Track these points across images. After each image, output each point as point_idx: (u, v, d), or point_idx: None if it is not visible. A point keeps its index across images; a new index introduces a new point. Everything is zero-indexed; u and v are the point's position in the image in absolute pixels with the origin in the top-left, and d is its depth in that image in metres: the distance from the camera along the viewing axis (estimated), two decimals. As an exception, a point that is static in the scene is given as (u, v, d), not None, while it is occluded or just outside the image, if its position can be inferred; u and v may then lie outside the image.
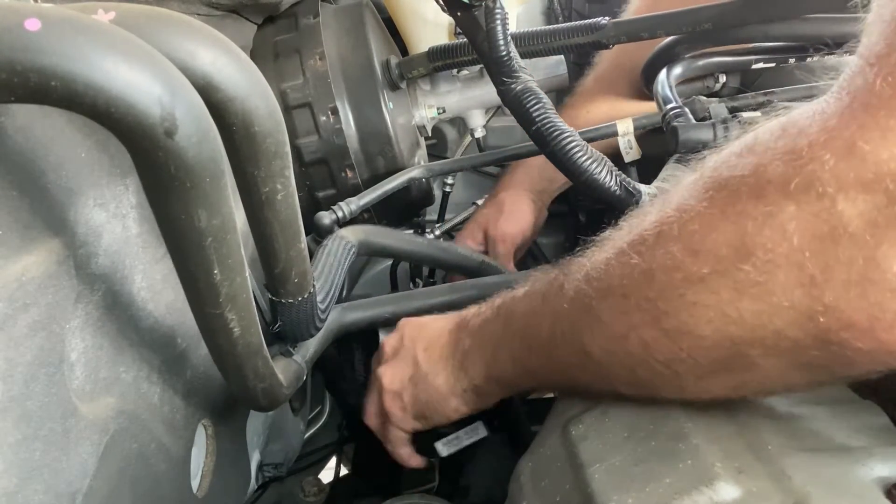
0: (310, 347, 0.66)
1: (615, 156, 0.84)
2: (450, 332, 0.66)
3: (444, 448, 0.72)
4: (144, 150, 0.31)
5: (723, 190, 0.41)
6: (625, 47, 0.90)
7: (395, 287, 1.05)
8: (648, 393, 0.49)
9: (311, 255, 0.64)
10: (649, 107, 0.87)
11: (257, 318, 0.46)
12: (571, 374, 0.54)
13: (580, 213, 1.21)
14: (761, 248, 0.38)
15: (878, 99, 0.35)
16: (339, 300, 0.74)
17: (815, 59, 0.81)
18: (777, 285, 0.38)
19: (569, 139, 0.71)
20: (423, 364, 0.66)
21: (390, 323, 0.79)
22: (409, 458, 0.72)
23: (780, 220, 0.37)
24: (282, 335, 0.60)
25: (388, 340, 0.71)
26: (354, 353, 0.93)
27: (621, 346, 0.47)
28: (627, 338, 0.46)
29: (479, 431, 0.73)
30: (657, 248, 0.44)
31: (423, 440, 0.71)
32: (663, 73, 0.83)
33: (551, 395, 0.68)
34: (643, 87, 0.92)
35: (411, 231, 1.07)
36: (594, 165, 0.71)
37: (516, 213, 1.05)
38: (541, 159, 1.04)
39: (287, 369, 0.60)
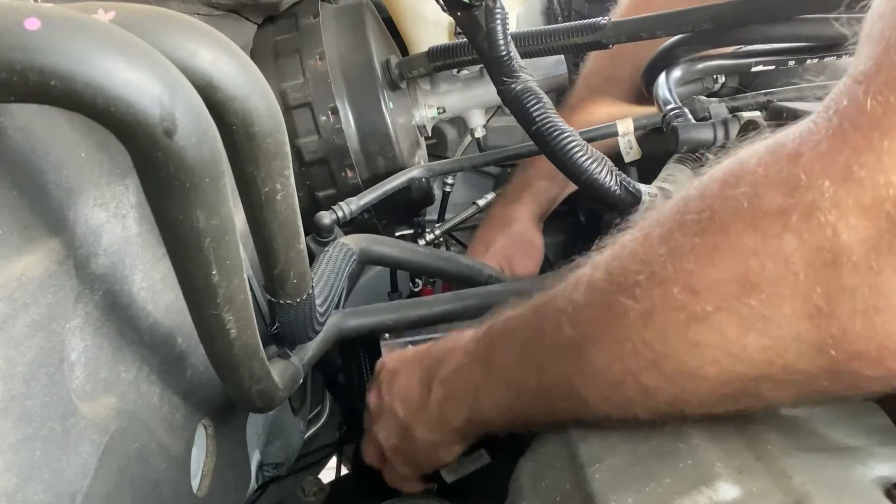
0: (308, 350, 0.65)
1: (615, 156, 0.84)
2: (419, 384, 0.64)
3: (448, 475, 0.72)
4: (144, 149, 0.31)
5: (715, 223, 0.40)
6: (621, 55, 0.90)
7: (394, 287, 1.05)
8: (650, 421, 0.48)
9: (312, 256, 0.64)
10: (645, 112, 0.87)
11: (254, 319, 0.46)
12: (563, 415, 0.52)
13: (580, 213, 1.21)
14: (766, 281, 0.37)
15: (870, 119, 0.34)
16: (338, 307, 0.75)
17: (814, 61, 0.81)
18: (784, 318, 0.37)
19: (569, 139, 0.71)
20: (405, 418, 0.65)
21: (391, 330, 0.79)
22: (412, 487, 0.71)
23: (782, 252, 0.36)
24: (280, 337, 0.60)
25: (371, 395, 0.69)
26: (361, 359, 0.93)
27: (618, 391, 0.46)
28: (624, 383, 0.45)
29: (482, 458, 0.72)
30: (653, 289, 0.42)
31: None
32: (663, 75, 0.83)
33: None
34: (644, 90, 0.92)
35: (411, 231, 1.07)
36: (594, 165, 0.71)
37: (533, 247, 1.04)
38: (545, 180, 1.04)
39: (284, 371, 0.60)
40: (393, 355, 0.71)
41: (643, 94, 0.94)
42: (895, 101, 0.33)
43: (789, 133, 0.38)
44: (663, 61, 0.86)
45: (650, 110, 0.89)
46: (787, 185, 0.36)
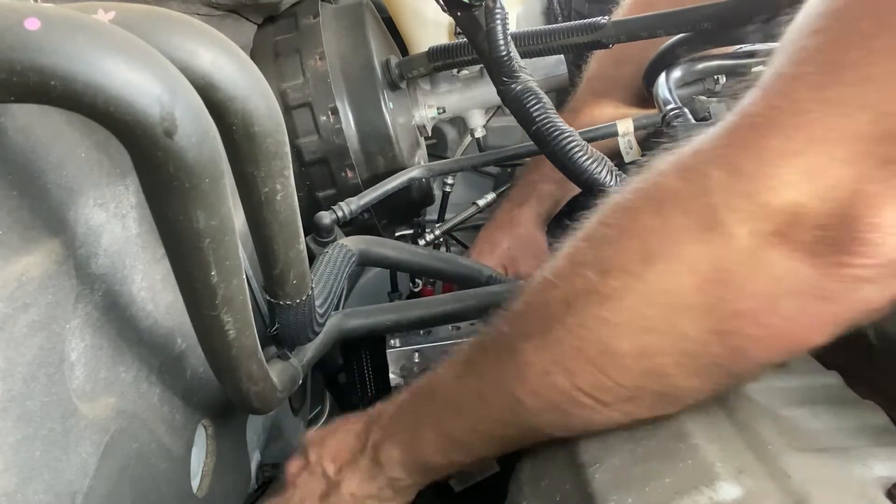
0: (308, 351, 0.65)
1: (615, 156, 0.84)
2: (357, 435, 0.63)
3: (457, 485, 0.71)
4: (143, 149, 0.31)
5: (627, 211, 0.45)
6: (624, 58, 0.90)
7: (394, 287, 1.05)
8: (580, 430, 0.51)
9: (312, 256, 0.64)
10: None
11: (253, 320, 0.46)
12: (503, 431, 0.54)
13: (581, 213, 1.21)
14: (663, 257, 0.42)
15: (761, 119, 0.39)
16: (337, 307, 0.74)
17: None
18: (679, 289, 0.42)
19: (569, 139, 0.71)
20: (333, 475, 0.63)
21: (390, 331, 0.79)
22: None
23: (677, 229, 0.42)
24: (280, 338, 0.60)
25: (290, 464, 0.67)
26: (363, 362, 0.93)
27: (549, 383, 0.48)
28: (553, 373, 0.48)
29: (492, 466, 0.71)
30: (574, 277, 0.46)
31: None
32: (663, 75, 0.83)
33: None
34: (644, 91, 0.92)
35: (411, 231, 1.07)
36: (594, 165, 0.71)
37: (538, 250, 1.04)
38: (550, 183, 1.04)
39: (283, 373, 0.60)
40: (318, 430, 0.69)
41: (647, 96, 0.94)
42: (785, 106, 0.39)
43: (701, 134, 0.43)
44: (664, 62, 0.86)
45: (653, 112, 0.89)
46: (684, 172, 0.42)
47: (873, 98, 0.36)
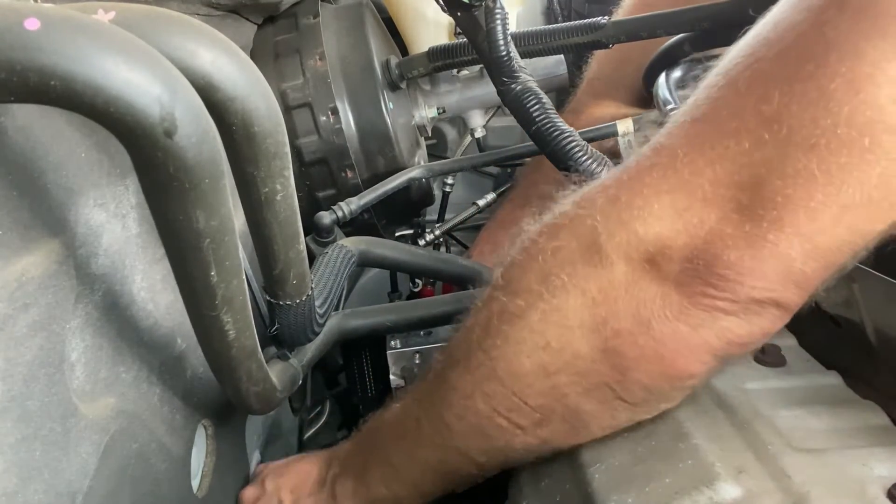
0: (308, 351, 0.65)
1: (615, 156, 0.84)
2: (318, 468, 0.66)
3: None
4: (143, 150, 0.31)
5: (533, 237, 0.50)
6: (626, 59, 0.90)
7: (394, 287, 1.05)
8: (503, 457, 0.54)
9: (312, 256, 0.64)
10: None
11: (253, 320, 0.46)
12: (436, 457, 0.56)
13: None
14: (557, 277, 0.46)
15: (646, 159, 0.44)
16: (337, 308, 0.74)
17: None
18: (570, 309, 0.46)
19: (569, 139, 0.71)
20: None
21: (391, 331, 0.79)
22: None
23: (568, 252, 0.46)
24: (279, 338, 0.60)
25: (245, 492, 0.69)
26: (364, 363, 0.92)
27: (471, 406, 0.52)
28: (473, 396, 0.51)
29: None
30: (491, 301, 0.51)
31: None
32: (663, 76, 0.83)
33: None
34: (644, 91, 0.92)
35: (411, 231, 1.07)
36: (594, 165, 0.71)
37: None
38: (552, 184, 1.04)
39: (283, 373, 0.60)
40: (277, 462, 0.71)
41: (648, 97, 0.94)
42: (667, 149, 0.43)
43: (614, 169, 0.48)
44: (664, 62, 0.85)
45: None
46: (580, 200, 0.47)
47: (735, 151, 0.41)
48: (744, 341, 0.44)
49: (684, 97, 0.81)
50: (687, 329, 0.43)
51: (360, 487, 0.61)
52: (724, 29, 0.79)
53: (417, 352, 0.78)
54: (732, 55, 0.44)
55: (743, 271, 0.41)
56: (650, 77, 0.88)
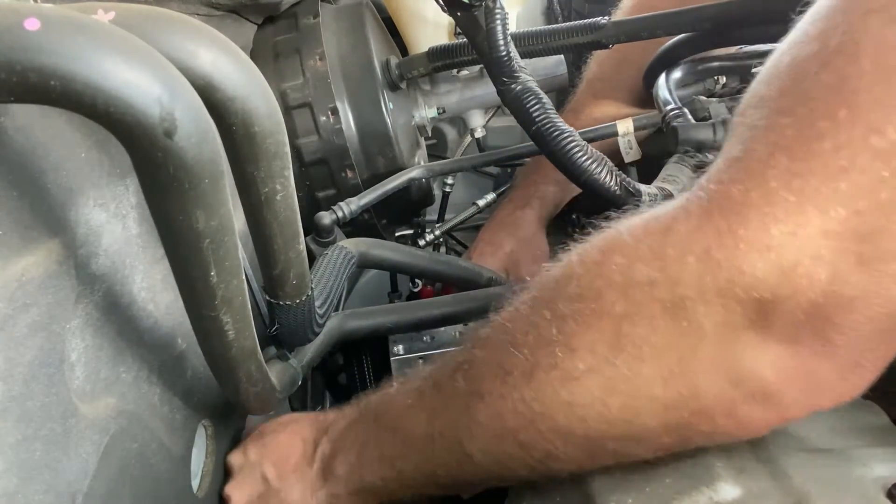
0: (307, 352, 0.65)
1: (615, 156, 0.84)
2: (304, 441, 0.62)
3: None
4: (143, 150, 0.31)
5: (593, 290, 0.43)
6: (626, 59, 0.90)
7: (394, 287, 1.05)
8: (526, 478, 0.51)
9: (312, 256, 0.64)
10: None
11: (252, 321, 0.46)
12: (448, 472, 0.53)
13: (580, 215, 1.21)
14: (632, 344, 0.41)
15: (733, 204, 0.37)
16: (337, 308, 0.74)
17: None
18: (642, 379, 0.41)
19: (569, 139, 0.71)
20: (274, 481, 0.62)
21: (392, 331, 0.79)
22: None
23: (648, 318, 0.40)
24: (279, 339, 0.60)
25: (232, 456, 0.65)
26: (364, 363, 0.92)
27: (499, 447, 0.48)
28: (504, 439, 0.48)
29: None
30: (538, 349, 0.45)
31: None
32: (663, 76, 0.83)
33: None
34: (644, 91, 0.92)
35: (411, 231, 1.07)
36: (594, 165, 0.71)
37: (540, 253, 1.03)
38: (552, 185, 1.04)
39: (282, 373, 0.60)
40: (276, 421, 0.68)
41: (647, 97, 0.94)
42: (753, 190, 0.37)
43: (666, 208, 0.42)
44: (664, 62, 0.86)
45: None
46: (656, 259, 0.40)
47: (847, 193, 0.35)
48: (834, 403, 0.40)
49: (684, 98, 0.81)
50: (776, 403, 0.39)
51: (353, 475, 0.58)
52: (725, 30, 0.79)
53: (421, 358, 0.78)
54: (799, 70, 0.37)
55: (857, 333, 0.36)
56: (650, 77, 0.88)
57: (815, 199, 0.35)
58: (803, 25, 0.39)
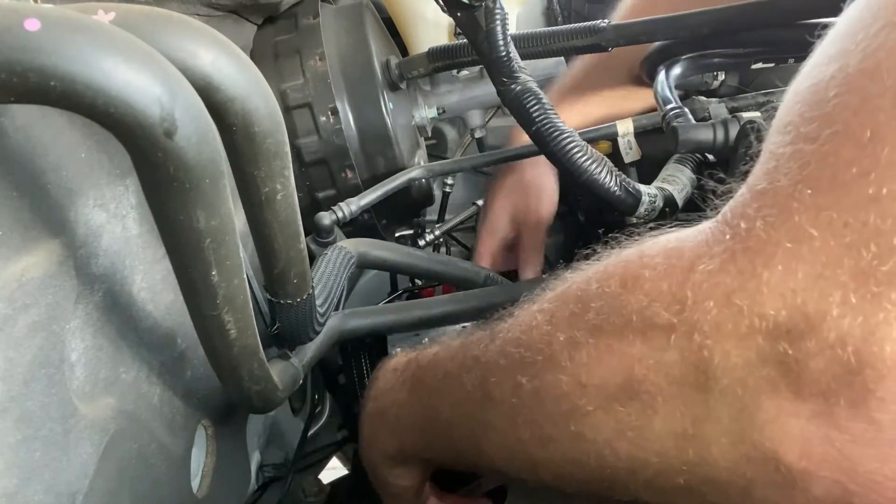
0: (308, 351, 0.65)
1: (615, 156, 0.84)
2: (367, 399, 0.63)
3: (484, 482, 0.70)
4: (143, 150, 0.31)
5: (611, 324, 0.40)
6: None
7: (394, 286, 1.05)
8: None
9: (312, 256, 0.64)
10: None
11: (254, 320, 0.46)
12: (466, 459, 0.53)
13: (579, 213, 1.21)
14: (645, 392, 0.37)
15: (756, 243, 0.34)
16: (337, 308, 0.74)
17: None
18: (653, 433, 0.38)
19: (569, 139, 0.71)
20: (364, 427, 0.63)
21: (392, 331, 0.79)
22: None
23: (664, 366, 0.37)
24: (280, 338, 0.60)
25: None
26: (363, 364, 0.93)
27: (513, 455, 0.47)
28: (516, 452, 0.46)
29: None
30: (547, 372, 0.42)
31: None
32: (662, 73, 0.83)
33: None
34: (644, 76, 0.92)
35: (411, 231, 1.07)
36: (594, 166, 0.71)
37: (545, 195, 0.99)
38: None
39: (284, 372, 0.60)
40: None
41: (634, 75, 0.93)
42: (780, 226, 0.33)
43: (689, 239, 0.38)
44: (663, 54, 0.86)
45: (642, 93, 0.87)
46: (676, 303, 0.36)
47: (877, 227, 0.30)
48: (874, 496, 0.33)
49: (682, 87, 0.81)
50: (802, 491, 0.33)
51: (395, 437, 0.58)
52: (725, 35, 0.79)
53: None
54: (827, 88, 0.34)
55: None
56: (649, 67, 0.87)
57: (843, 236, 0.31)
58: (824, 46, 0.36)
